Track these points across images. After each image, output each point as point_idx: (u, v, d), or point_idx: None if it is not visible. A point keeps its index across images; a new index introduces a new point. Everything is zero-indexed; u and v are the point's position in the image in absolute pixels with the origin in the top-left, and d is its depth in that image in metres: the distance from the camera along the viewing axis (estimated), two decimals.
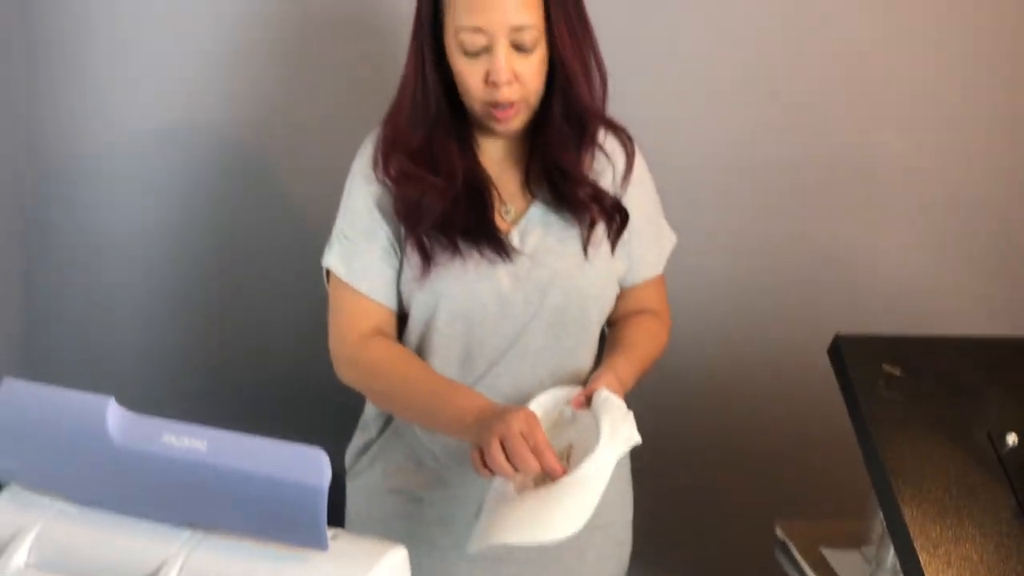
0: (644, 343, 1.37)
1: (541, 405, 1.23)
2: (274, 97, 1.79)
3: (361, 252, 1.30)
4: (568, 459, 1.16)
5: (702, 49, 1.78)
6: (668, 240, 1.43)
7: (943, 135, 1.84)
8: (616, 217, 1.32)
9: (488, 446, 1.12)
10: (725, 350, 1.97)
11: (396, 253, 1.31)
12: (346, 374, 1.32)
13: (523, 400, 1.28)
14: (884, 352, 1.30)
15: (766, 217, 1.89)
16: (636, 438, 1.16)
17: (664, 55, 1.77)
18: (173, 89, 1.78)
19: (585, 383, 1.28)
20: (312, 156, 1.81)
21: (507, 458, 1.11)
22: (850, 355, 1.30)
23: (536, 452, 1.10)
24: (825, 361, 1.41)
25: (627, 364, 1.30)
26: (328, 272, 1.33)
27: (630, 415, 1.17)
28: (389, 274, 1.31)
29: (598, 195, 1.30)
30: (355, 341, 1.30)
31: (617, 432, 1.14)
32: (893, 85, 1.80)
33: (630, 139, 1.36)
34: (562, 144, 1.28)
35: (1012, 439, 1.19)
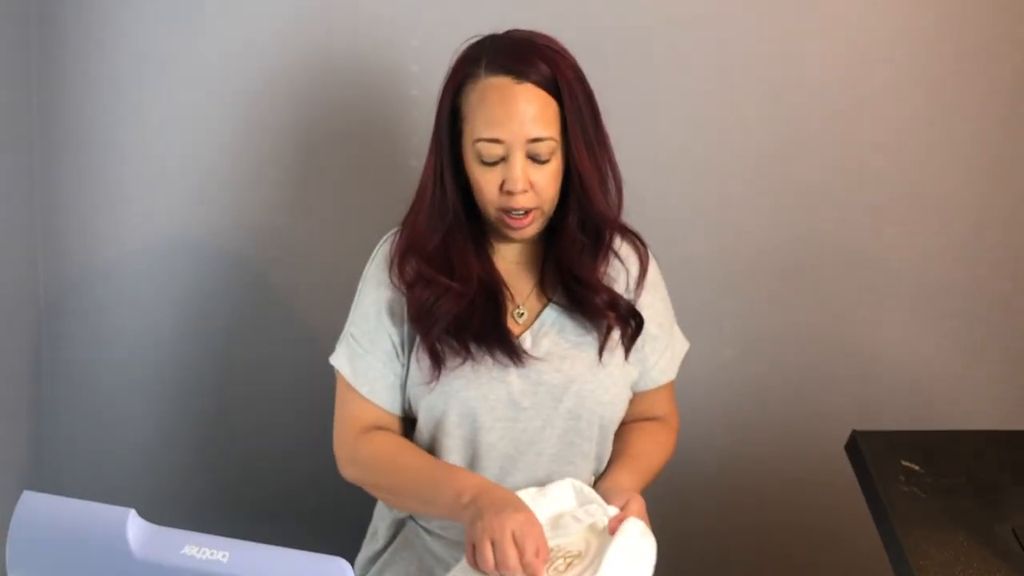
0: (653, 453, 1.37)
1: (581, 496, 1.21)
2: (282, 204, 1.81)
3: (364, 354, 1.31)
4: (571, 564, 1.14)
5: (704, 136, 1.80)
6: (681, 346, 1.43)
7: (949, 224, 1.85)
8: (631, 322, 1.32)
9: (479, 543, 1.11)
10: (732, 441, 1.95)
11: (400, 358, 1.32)
12: (348, 472, 1.33)
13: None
14: (902, 447, 1.30)
15: (771, 306, 1.89)
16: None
17: (666, 140, 1.80)
18: (184, 195, 1.81)
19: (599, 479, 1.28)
20: (319, 262, 1.83)
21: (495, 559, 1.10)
22: (868, 451, 1.30)
23: (525, 565, 1.10)
24: (839, 455, 1.40)
25: (635, 476, 1.31)
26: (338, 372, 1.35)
27: (648, 554, 1.14)
28: (391, 379, 1.32)
29: (614, 301, 1.31)
30: (353, 438, 1.31)
31: (623, 571, 1.11)
32: (896, 172, 1.83)
33: (644, 245, 1.38)
34: (578, 253, 1.30)
35: None
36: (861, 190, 1.83)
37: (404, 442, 1.32)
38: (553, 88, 1.22)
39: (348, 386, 1.32)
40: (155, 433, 1.91)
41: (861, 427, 1.39)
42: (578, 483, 1.24)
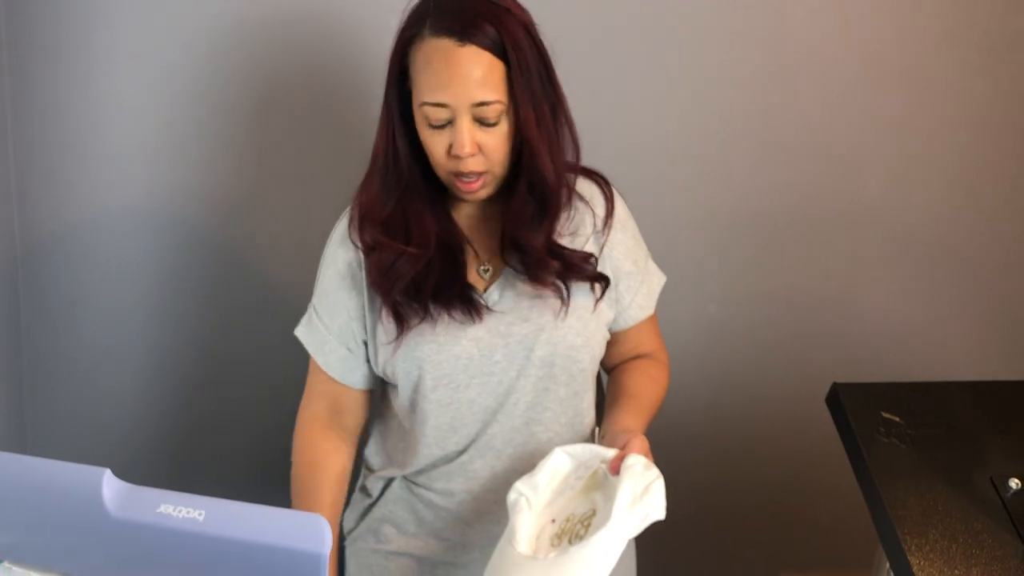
0: (650, 391, 1.36)
1: (575, 456, 1.20)
2: (254, 172, 1.80)
3: (322, 328, 1.35)
4: (589, 524, 1.13)
5: (683, 96, 1.79)
6: (657, 279, 1.42)
7: (925, 179, 1.86)
8: (594, 286, 1.31)
9: None
10: (718, 400, 1.96)
11: (359, 332, 1.33)
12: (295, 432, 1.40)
13: (523, 457, 1.28)
14: (882, 399, 1.30)
15: (753, 267, 1.90)
16: (657, 514, 1.11)
17: (651, 109, 1.79)
18: (157, 168, 1.78)
19: (598, 427, 1.26)
20: (291, 231, 1.82)
21: None
22: (849, 403, 1.30)
23: None
24: (820, 409, 1.40)
25: (638, 416, 1.30)
26: None
27: (656, 486, 1.12)
28: (342, 353, 1.35)
29: (567, 270, 1.28)
30: (303, 421, 1.40)
31: (635, 508, 1.09)
32: (875, 131, 1.82)
33: (607, 183, 1.36)
34: (527, 218, 1.27)
35: (1015, 483, 1.18)
36: (840, 149, 1.83)
37: (317, 464, 1.37)
38: (499, 50, 1.17)
39: (312, 360, 1.37)
40: (135, 404, 1.91)
41: (841, 380, 1.40)
42: (567, 447, 1.22)
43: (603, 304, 1.33)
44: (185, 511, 0.81)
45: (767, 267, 1.90)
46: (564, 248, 1.29)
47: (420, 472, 1.35)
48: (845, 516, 1.74)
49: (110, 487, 0.83)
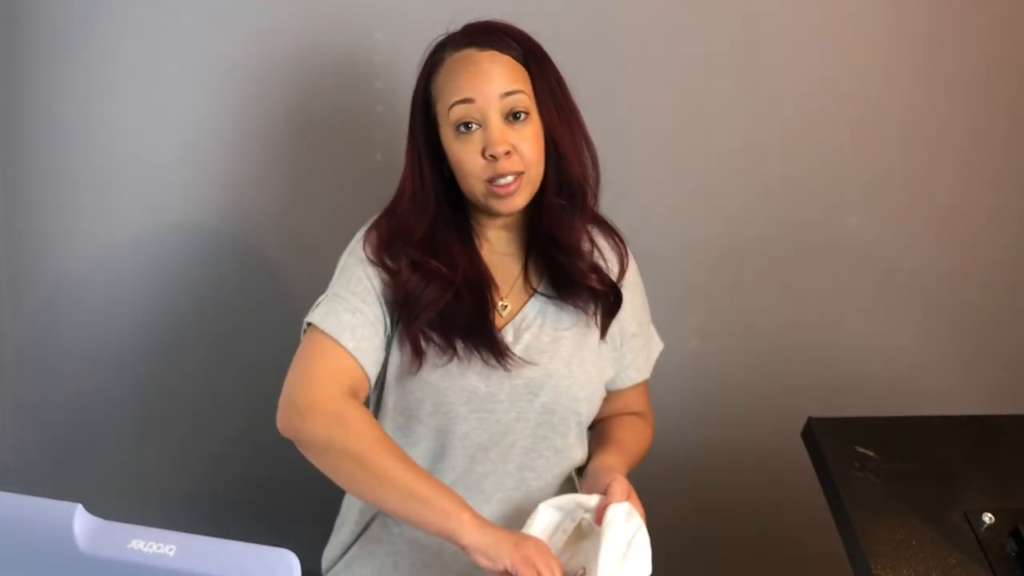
0: (634, 441, 1.38)
1: (560, 508, 1.19)
2: (244, 200, 1.81)
3: (353, 310, 1.23)
4: None
5: (668, 132, 1.81)
6: (656, 346, 1.45)
7: (906, 215, 1.88)
8: (611, 297, 1.32)
9: (523, 568, 1.07)
10: (698, 433, 1.97)
11: (386, 331, 1.26)
12: (317, 424, 1.15)
13: (512, 503, 1.28)
14: (857, 433, 1.31)
15: (736, 301, 1.91)
16: (643, 570, 1.10)
17: (634, 143, 1.80)
18: (150, 191, 1.80)
19: (580, 472, 1.27)
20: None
21: None
22: (823, 437, 1.31)
23: None
24: (796, 440, 1.41)
25: (620, 458, 1.31)
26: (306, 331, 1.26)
27: (639, 539, 1.12)
28: (376, 342, 1.24)
29: (595, 266, 1.31)
30: (337, 391, 1.17)
31: (621, 568, 1.09)
32: (858, 166, 1.84)
33: (623, 241, 1.38)
34: (557, 214, 1.28)
35: (988, 518, 1.19)
36: (823, 184, 1.85)
37: (385, 434, 1.19)
38: (520, 56, 1.23)
39: (325, 338, 1.21)
40: (116, 428, 1.91)
41: (822, 414, 1.41)
42: (552, 500, 1.21)
43: (609, 357, 1.35)
44: (156, 546, 0.81)
45: (749, 301, 1.91)
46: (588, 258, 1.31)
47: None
48: (822, 550, 1.74)
49: (81, 522, 0.83)
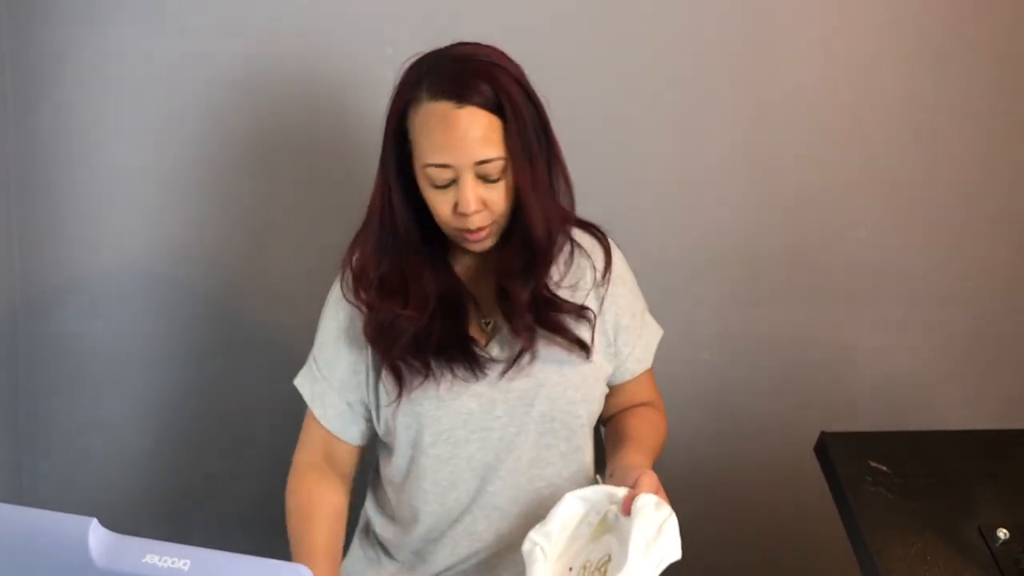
0: (652, 434, 1.36)
1: (586, 500, 1.18)
2: (248, 217, 1.81)
3: (321, 380, 1.35)
4: (605, 571, 1.12)
5: (678, 142, 1.80)
6: (654, 332, 1.43)
7: (918, 228, 1.87)
8: (580, 315, 1.31)
9: None
10: (710, 448, 1.96)
11: (361, 387, 1.33)
12: (288, 489, 1.38)
13: (534, 516, 1.25)
14: (870, 448, 1.31)
15: (746, 311, 1.90)
16: (673, 555, 1.09)
17: (641, 156, 1.81)
18: (151, 208, 1.81)
19: (598, 476, 1.26)
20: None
21: None
22: (836, 452, 1.31)
23: None
24: (807, 454, 1.41)
25: (644, 454, 1.29)
26: None
27: (669, 525, 1.11)
28: (342, 407, 1.35)
29: (550, 301, 1.29)
30: (298, 466, 1.38)
31: (650, 551, 1.08)
32: (869, 178, 1.84)
33: (603, 235, 1.37)
34: (511, 270, 1.28)
35: (1003, 533, 1.18)
36: (834, 194, 1.84)
37: (318, 511, 1.34)
38: (495, 107, 1.19)
39: (310, 407, 1.37)
40: (130, 443, 1.92)
41: (834, 428, 1.40)
42: (577, 491, 1.20)
43: (604, 352, 1.34)
44: (170, 561, 0.81)
45: (760, 314, 1.91)
46: (558, 299, 1.30)
47: (425, 541, 1.34)
48: (835, 565, 1.73)
49: (96, 537, 0.83)
